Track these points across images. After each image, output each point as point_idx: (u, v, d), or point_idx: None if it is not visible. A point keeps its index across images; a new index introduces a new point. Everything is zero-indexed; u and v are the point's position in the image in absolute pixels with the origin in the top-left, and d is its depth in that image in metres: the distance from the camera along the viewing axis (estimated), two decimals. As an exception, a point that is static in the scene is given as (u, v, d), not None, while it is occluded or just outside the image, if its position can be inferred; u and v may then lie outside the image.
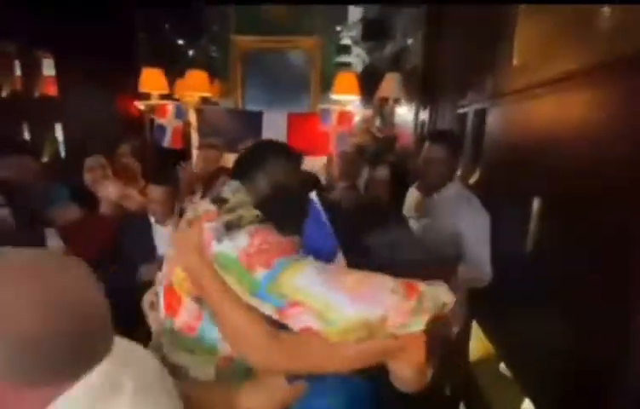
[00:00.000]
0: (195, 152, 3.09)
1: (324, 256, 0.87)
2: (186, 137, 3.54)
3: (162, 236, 2.06)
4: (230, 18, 3.75)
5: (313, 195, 1.00)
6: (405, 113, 3.52)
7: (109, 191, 2.15)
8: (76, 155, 3.39)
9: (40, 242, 1.68)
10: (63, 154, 3.53)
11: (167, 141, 3.42)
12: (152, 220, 2.07)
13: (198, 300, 0.88)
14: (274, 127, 3.43)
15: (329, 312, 0.73)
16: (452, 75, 3.06)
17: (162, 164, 3.18)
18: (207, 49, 3.93)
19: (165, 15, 3.83)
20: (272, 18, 3.74)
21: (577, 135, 1.39)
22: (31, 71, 3.29)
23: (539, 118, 1.70)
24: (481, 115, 2.40)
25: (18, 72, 3.16)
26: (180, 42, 3.92)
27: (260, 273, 0.78)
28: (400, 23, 3.77)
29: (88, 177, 2.35)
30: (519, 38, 1.90)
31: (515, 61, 1.94)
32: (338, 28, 3.88)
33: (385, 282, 0.76)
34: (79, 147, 3.41)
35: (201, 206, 0.95)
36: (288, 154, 1.07)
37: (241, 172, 1.02)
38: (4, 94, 3.04)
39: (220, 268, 0.83)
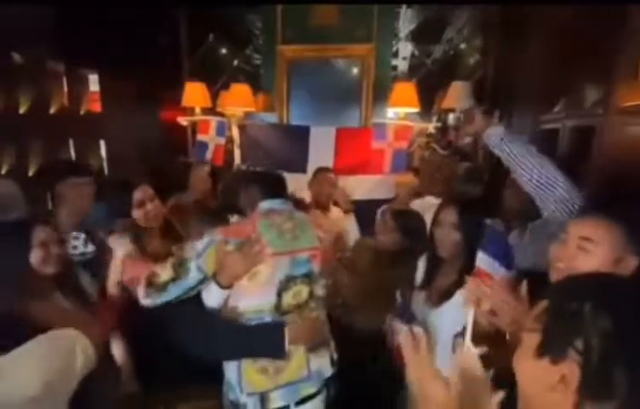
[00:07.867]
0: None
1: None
2: (230, 155, 3.35)
3: None
4: (276, 27, 3.47)
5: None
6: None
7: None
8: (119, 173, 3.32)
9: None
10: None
11: (208, 157, 3.24)
12: None
13: None
14: (321, 143, 3.14)
15: None
16: (533, 80, 2.60)
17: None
18: (251, 61, 3.70)
19: (209, 27, 3.68)
20: (322, 25, 3.43)
21: None
22: (78, 87, 3.24)
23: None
24: (582, 133, 1.94)
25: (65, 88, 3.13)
26: (225, 53, 3.73)
27: None
28: (464, 23, 3.35)
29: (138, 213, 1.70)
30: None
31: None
32: (393, 34, 3.49)
33: None
34: (122, 165, 3.35)
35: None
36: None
37: None
38: (53, 111, 3.02)
39: None
